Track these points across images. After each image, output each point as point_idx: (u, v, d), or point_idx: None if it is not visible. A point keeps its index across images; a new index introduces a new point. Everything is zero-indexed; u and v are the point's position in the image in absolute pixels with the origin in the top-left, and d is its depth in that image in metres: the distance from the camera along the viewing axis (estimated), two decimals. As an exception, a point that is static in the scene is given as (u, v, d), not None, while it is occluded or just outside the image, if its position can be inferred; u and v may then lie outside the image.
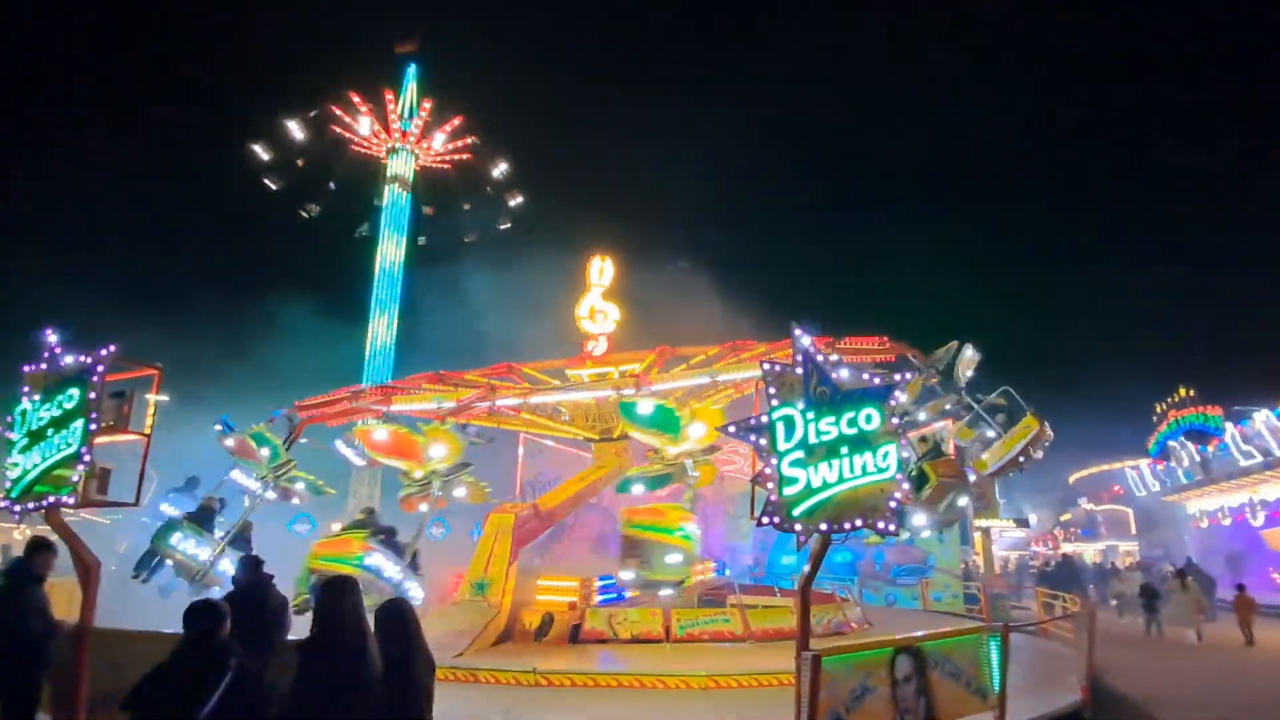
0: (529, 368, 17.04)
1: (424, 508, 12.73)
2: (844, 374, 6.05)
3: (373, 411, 16.46)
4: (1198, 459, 29.15)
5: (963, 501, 11.29)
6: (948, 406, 12.97)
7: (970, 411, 12.65)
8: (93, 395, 5.94)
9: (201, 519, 12.57)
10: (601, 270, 18.17)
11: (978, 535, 23.16)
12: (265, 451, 13.49)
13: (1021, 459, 12.01)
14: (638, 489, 13.18)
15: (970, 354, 12.53)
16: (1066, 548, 41.80)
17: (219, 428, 13.99)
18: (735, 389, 14.90)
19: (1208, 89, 73.37)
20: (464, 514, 19.71)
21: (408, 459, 12.74)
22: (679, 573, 11.32)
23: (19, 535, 29.31)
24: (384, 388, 17.48)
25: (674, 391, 14.19)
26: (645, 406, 12.05)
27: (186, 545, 11.92)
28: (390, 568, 11.26)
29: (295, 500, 14.03)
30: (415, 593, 11.19)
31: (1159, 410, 31.76)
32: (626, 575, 11.52)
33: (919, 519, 11.04)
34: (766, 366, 6.01)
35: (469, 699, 9.03)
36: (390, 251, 35.10)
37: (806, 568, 6.29)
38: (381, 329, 34.01)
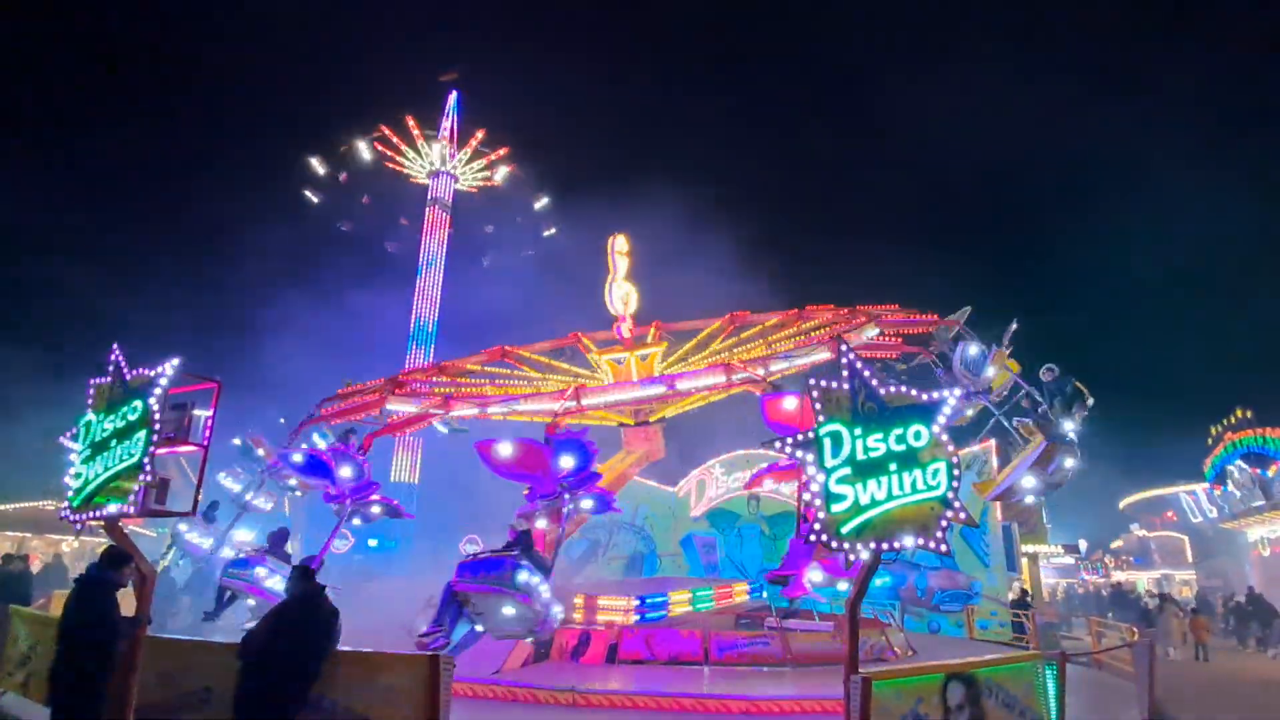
0: (589, 339, 16.18)
1: (357, 521, 13.22)
2: (891, 388, 5.96)
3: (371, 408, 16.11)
4: (1257, 483, 28.01)
5: (1070, 464, 10.56)
6: (969, 412, 11.96)
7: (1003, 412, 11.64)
8: (155, 407, 6.12)
9: (276, 548, 12.42)
10: (614, 248, 16.37)
11: (1024, 561, 22.42)
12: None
13: (1051, 471, 10.69)
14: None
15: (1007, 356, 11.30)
16: (1118, 576, 40.30)
17: (238, 441, 14.33)
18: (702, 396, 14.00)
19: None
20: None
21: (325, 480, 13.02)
22: (521, 625, 10.77)
23: (67, 547, 30.23)
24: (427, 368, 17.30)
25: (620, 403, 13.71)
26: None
27: (273, 582, 11.58)
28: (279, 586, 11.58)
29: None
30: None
31: (1215, 432, 30.56)
32: (477, 628, 11.05)
33: (1029, 480, 10.52)
34: (812, 381, 5.96)
35: (507, 718, 9.05)
36: (432, 279, 37.52)
37: (854, 588, 6.16)
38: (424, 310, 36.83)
